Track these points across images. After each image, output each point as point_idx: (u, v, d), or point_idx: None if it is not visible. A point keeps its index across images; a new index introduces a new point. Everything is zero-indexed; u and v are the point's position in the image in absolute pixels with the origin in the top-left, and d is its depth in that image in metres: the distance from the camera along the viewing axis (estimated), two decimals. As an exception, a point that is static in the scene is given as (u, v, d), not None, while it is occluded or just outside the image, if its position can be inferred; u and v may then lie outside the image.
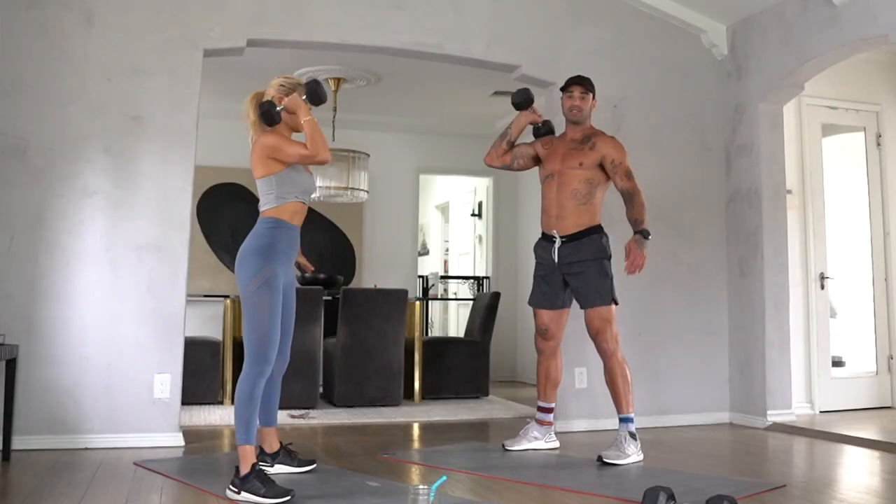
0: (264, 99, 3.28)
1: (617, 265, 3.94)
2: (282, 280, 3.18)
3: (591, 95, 4.07)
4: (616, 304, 3.93)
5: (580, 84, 4.05)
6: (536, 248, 4.13)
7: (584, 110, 4.04)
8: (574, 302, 4.05)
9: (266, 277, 3.10)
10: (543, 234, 4.08)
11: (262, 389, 3.09)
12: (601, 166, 3.97)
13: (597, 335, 3.90)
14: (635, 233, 3.83)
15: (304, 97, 3.20)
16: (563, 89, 4.09)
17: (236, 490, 2.94)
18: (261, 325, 3.08)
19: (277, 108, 3.17)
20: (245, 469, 2.95)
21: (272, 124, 3.20)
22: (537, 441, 4.08)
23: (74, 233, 4.05)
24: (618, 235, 4.05)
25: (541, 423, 4.12)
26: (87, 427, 3.96)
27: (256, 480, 2.93)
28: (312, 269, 3.70)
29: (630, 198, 3.91)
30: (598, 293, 3.90)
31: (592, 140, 4.01)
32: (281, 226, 3.19)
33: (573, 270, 3.94)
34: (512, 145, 4.20)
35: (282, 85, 3.29)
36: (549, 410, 4.13)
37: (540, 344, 4.11)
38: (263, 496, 2.89)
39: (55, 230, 4.03)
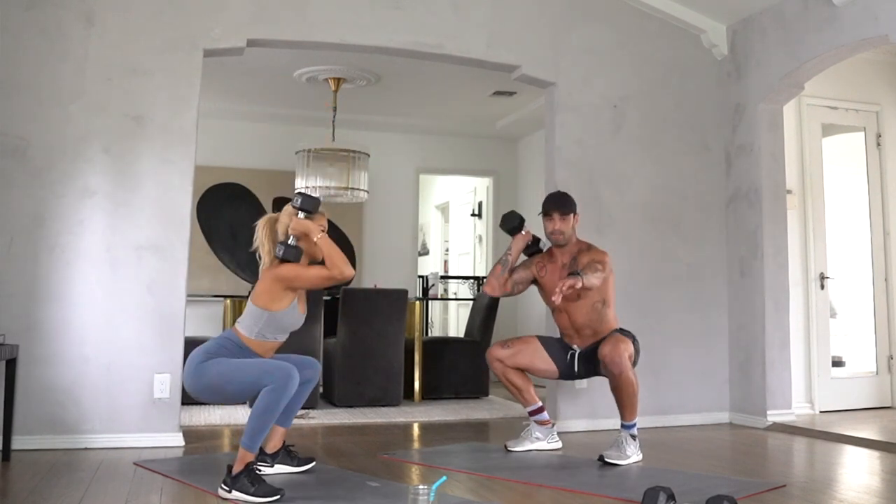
0: (277, 225, 3.28)
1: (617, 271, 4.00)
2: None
3: (571, 215, 4.00)
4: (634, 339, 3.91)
5: (558, 209, 3.99)
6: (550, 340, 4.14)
7: (565, 233, 3.99)
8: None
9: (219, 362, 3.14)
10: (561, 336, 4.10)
11: (283, 401, 3.07)
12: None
13: (608, 361, 3.78)
14: (571, 273, 3.80)
15: (297, 209, 3.21)
16: (542, 213, 4.05)
17: (227, 489, 2.97)
18: (247, 378, 3.09)
19: (292, 244, 3.15)
20: (238, 468, 2.98)
21: (298, 260, 3.18)
22: (539, 441, 4.07)
23: (74, 233, 4.05)
24: (611, 240, 4.07)
25: (540, 423, 4.11)
26: (87, 427, 3.96)
27: (246, 479, 2.95)
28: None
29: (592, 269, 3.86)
30: (617, 340, 3.82)
31: (579, 261, 3.93)
32: (245, 351, 3.22)
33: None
34: (512, 272, 4.13)
35: (286, 220, 3.28)
36: (541, 410, 4.12)
37: (498, 353, 4.01)
38: (253, 495, 2.91)
39: (55, 230, 4.03)
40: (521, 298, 8.33)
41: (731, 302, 5.22)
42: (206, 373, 3.14)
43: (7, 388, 3.69)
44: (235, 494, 2.93)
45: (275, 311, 3.20)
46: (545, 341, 4.11)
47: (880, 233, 5.79)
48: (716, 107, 5.36)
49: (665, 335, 5.02)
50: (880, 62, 5.83)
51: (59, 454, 3.75)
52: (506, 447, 4.05)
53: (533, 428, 4.09)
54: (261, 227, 3.31)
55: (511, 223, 4.14)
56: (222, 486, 2.99)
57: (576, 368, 4.02)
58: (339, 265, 3.16)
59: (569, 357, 4.03)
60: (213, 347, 3.22)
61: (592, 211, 4.84)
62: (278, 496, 2.92)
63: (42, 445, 3.86)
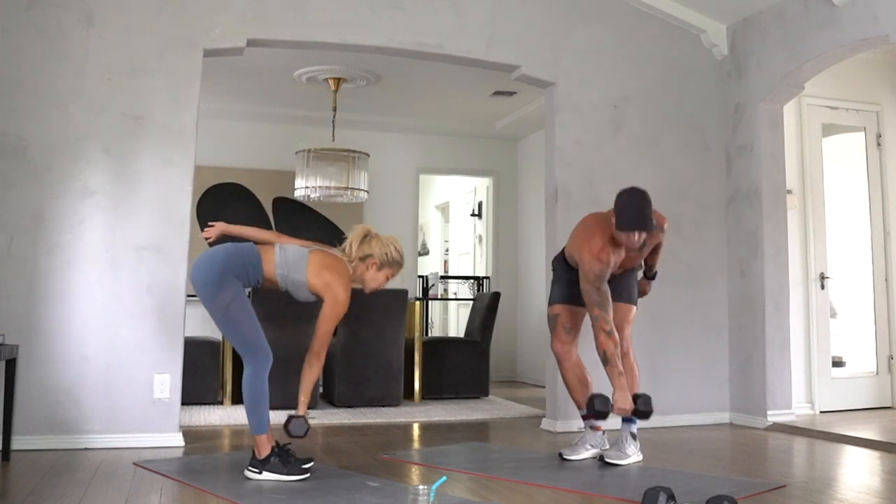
0: (369, 248, 3.45)
1: None
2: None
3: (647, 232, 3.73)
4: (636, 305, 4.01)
5: (643, 228, 3.66)
6: (559, 265, 4.06)
7: (639, 243, 3.75)
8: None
9: (237, 289, 3.27)
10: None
11: (266, 381, 3.24)
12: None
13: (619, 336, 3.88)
14: (648, 277, 4.18)
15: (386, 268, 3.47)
16: (621, 228, 3.64)
17: (257, 470, 3.14)
18: (246, 327, 3.25)
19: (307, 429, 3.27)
20: (264, 453, 3.16)
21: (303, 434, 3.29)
22: (594, 449, 3.89)
23: (74, 233, 4.05)
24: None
25: (595, 428, 3.94)
26: (87, 427, 3.96)
27: (278, 460, 3.14)
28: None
29: (656, 250, 4.08)
30: (627, 292, 3.97)
31: (646, 244, 3.88)
32: (254, 267, 3.37)
33: None
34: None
35: (386, 254, 3.45)
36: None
37: (560, 347, 3.97)
38: (287, 474, 3.12)
39: (55, 230, 4.03)
40: (522, 299, 8.35)
41: (731, 302, 5.22)
42: (224, 289, 3.22)
43: (7, 388, 3.68)
44: (266, 475, 3.13)
45: (303, 280, 3.29)
46: (561, 292, 3.99)
47: (880, 233, 5.79)
48: (716, 107, 5.36)
49: (665, 335, 5.02)
50: (880, 62, 5.83)
51: (59, 454, 3.75)
52: (561, 455, 3.87)
53: (587, 436, 3.93)
54: (359, 232, 3.48)
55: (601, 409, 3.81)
56: (250, 468, 3.16)
57: None
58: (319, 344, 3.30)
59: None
60: (235, 264, 3.32)
61: (592, 211, 4.83)
62: (308, 473, 3.14)
63: (42, 445, 3.86)
